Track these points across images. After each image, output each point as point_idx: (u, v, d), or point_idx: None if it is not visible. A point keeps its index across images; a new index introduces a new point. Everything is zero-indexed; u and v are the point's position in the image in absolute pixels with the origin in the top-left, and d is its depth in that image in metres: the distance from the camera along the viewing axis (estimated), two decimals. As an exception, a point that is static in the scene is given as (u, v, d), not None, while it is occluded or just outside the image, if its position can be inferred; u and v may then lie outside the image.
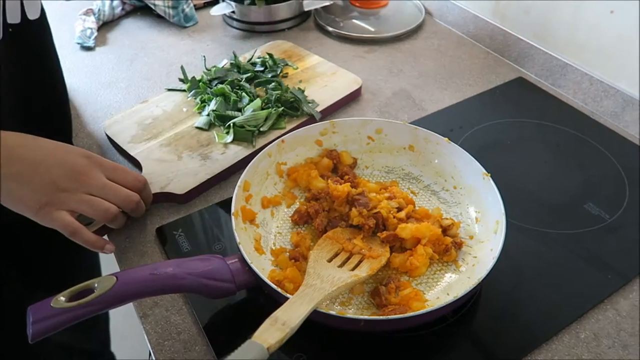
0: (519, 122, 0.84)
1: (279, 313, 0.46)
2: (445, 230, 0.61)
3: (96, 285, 0.48)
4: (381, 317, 0.49)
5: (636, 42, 0.79)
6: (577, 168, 0.75)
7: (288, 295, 0.50)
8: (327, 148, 0.71)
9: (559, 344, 0.54)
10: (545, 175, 0.75)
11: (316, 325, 0.53)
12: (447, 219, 0.62)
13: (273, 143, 0.67)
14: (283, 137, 0.68)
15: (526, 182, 0.73)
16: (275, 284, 0.52)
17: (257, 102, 0.80)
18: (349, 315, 0.52)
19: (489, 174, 0.62)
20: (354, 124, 0.71)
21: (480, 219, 0.63)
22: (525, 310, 0.57)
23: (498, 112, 0.86)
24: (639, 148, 0.79)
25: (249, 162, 0.64)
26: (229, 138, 0.76)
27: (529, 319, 0.56)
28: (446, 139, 0.67)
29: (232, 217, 0.57)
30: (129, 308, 0.58)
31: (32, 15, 0.67)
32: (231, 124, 0.77)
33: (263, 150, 0.65)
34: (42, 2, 0.72)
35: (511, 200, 0.60)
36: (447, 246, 0.59)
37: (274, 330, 0.44)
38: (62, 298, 0.47)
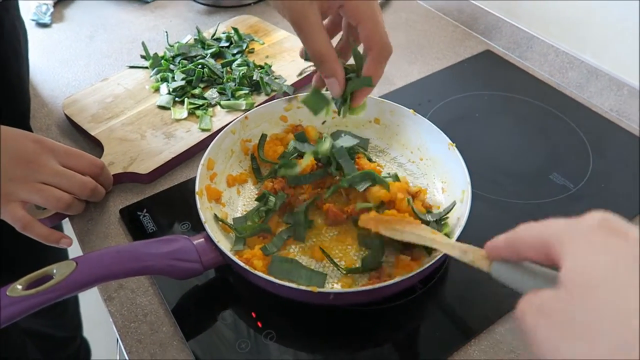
0: (487, 95, 0.84)
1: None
2: (413, 198, 0.61)
3: (55, 271, 0.46)
4: (349, 290, 0.49)
5: (600, 14, 0.79)
6: (543, 139, 0.76)
7: (257, 272, 0.49)
8: (292, 124, 0.70)
9: (525, 311, 0.55)
10: (512, 147, 0.75)
11: (285, 301, 0.52)
12: (415, 186, 0.63)
13: (236, 120, 0.65)
14: (247, 113, 0.66)
15: (493, 154, 0.74)
16: (243, 262, 0.51)
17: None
18: (318, 290, 0.51)
19: (454, 144, 0.62)
20: None
21: (447, 189, 0.63)
22: (492, 280, 0.58)
23: (466, 85, 0.86)
24: (602, 118, 0.80)
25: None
26: (185, 114, 0.74)
27: (496, 288, 0.57)
28: (412, 110, 0.67)
29: (197, 197, 0.56)
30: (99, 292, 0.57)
31: None
32: (186, 101, 0.75)
33: (226, 128, 0.64)
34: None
35: (478, 172, 0.60)
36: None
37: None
38: (19, 286, 0.45)
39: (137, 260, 0.49)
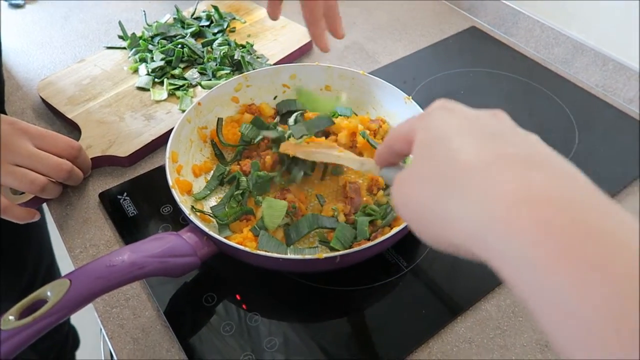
0: (472, 72, 0.83)
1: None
2: (375, 134, 0.64)
3: (48, 293, 0.42)
4: (353, 250, 0.49)
5: (585, -13, 0.79)
6: (528, 115, 0.76)
7: (260, 252, 0.48)
8: (245, 103, 0.68)
9: (511, 288, 0.55)
10: (498, 124, 0.75)
11: (270, 283, 0.52)
12: (373, 121, 0.65)
13: (190, 108, 0.63)
14: (199, 99, 0.64)
15: (479, 132, 0.73)
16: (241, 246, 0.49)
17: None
18: (287, 256, 0.50)
19: (410, 97, 0.63)
20: (266, 73, 0.68)
21: None
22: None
23: (451, 62, 0.85)
24: (588, 94, 0.80)
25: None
26: (165, 95, 0.72)
27: (481, 266, 0.57)
28: (362, 71, 0.67)
29: (172, 190, 0.54)
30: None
31: None
32: (165, 81, 0.73)
33: (182, 117, 0.61)
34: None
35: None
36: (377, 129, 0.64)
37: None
38: (11, 317, 0.41)
39: (133, 265, 0.46)
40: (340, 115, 0.66)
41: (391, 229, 0.55)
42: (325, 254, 0.48)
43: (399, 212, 0.33)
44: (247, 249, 0.48)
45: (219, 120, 0.65)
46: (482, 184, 0.27)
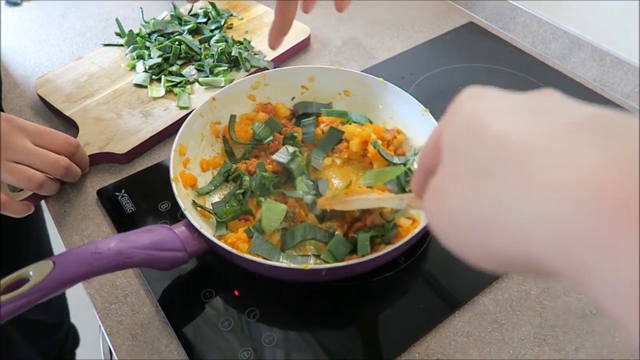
0: (470, 67, 0.83)
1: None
2: (388, 144, 0.63)
3: (31, 273, 0.43)
4: (340, 264, 0.48)
5: (583, -19, 0.78)
6: (526, 111, 0.76)
7: (246, 255, 0.48)
8: (261, 102, 0.68)
9: (509, 282, 0.55)
10: (495, 119, 0.74)
11: (268, 279, 0.52)
12: (388, 131, 0.64)
13: (204, 102, 0.62)
14: (214, 95, 0.64)
15: (477, 127, 0.73)
16: (229, 247, 0.49)
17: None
18: (271, 262, 0.50)
19: (427, 109, 0.62)
20: (285, 74, 0.68)
21: None
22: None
23: (449, 58, 0.85)
24: (586, 89, 0.80)
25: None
26: (162, 91, 0.72)
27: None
28: (381, 79, 0.66)
29: (172, 184, 0.54)
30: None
31: None
32: (163, 78, 0.73)
33: (194, 111, 0.61)
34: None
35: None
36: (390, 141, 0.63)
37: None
38: None
39: (118, 254, 0.46)
40: (355, 123, 0.65)
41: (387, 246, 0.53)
42: (311, 266, 0.48)
43: (434, 230, 0.27)
44: (234, 250, 0.48)
45: (232, 117, 0.65)
46: (545, 167, 0.20)
